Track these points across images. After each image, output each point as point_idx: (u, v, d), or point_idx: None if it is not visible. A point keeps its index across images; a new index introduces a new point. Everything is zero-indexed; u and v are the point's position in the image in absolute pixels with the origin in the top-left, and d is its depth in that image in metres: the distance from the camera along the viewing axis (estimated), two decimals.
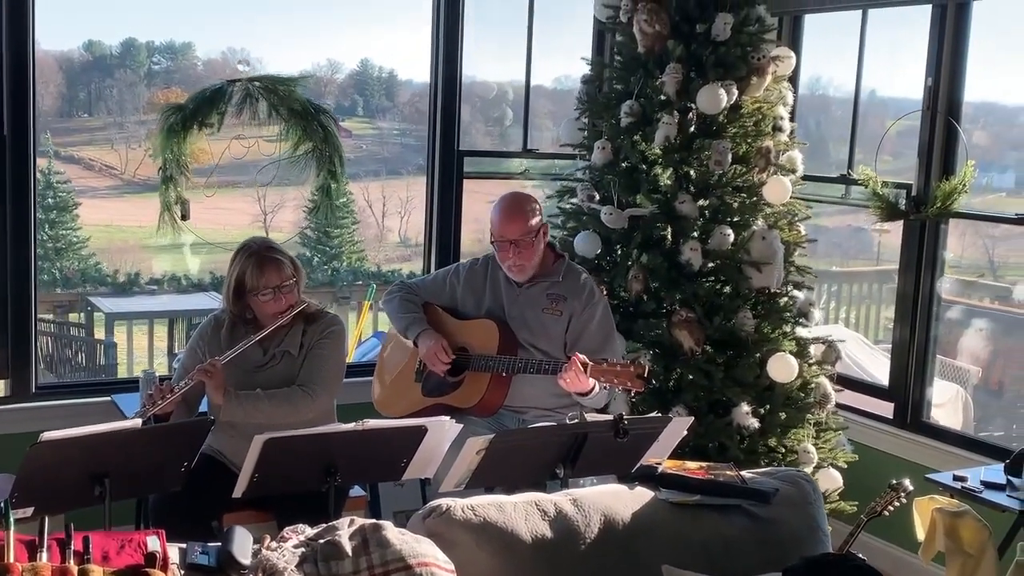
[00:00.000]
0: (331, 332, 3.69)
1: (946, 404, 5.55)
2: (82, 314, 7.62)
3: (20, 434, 4.35)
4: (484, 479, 3.25)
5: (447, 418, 3.17)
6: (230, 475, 3.57)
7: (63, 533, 2.21)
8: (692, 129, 4.26)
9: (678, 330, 4.14)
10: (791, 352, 4.19)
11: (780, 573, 2.50)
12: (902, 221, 4.79)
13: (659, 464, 2.89)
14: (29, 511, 2.73)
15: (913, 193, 4.70)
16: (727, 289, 4.26)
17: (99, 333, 7.40)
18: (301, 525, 2.59)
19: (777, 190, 4.28)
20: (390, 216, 14.38)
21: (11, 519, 2.18)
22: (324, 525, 2.56)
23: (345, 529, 2.52)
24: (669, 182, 4.27)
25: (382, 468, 3.30)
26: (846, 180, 5.05)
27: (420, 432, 3.14)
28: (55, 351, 7.32)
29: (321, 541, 2.47)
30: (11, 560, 2.09)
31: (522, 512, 2.64)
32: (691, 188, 4.25)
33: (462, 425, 3.21)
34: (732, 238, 4.18)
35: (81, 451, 2.68)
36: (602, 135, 4.40)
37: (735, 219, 4.25)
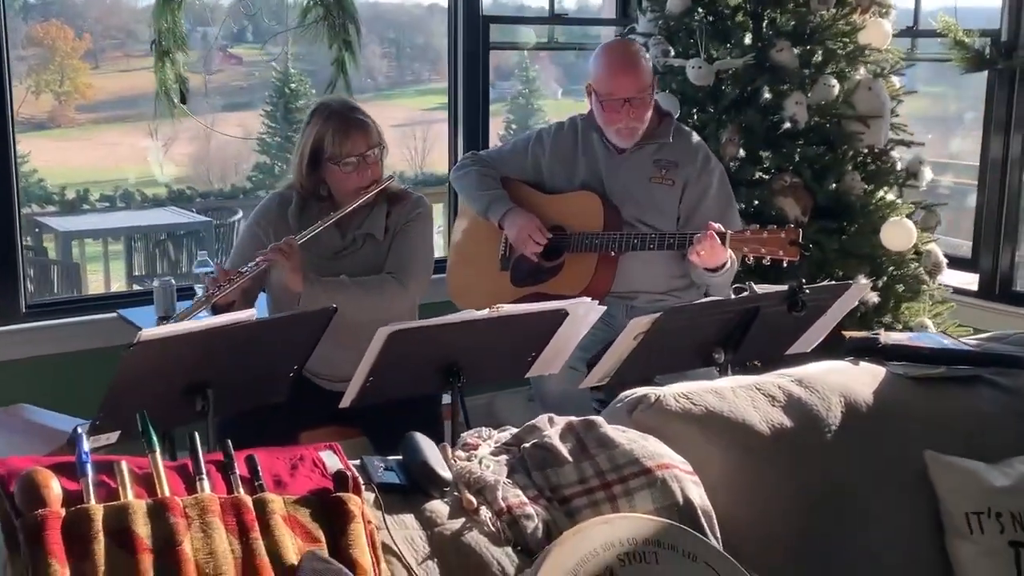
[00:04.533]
0: (419, 214, 3.10)
1: None
2: (29, 236, 6.78)
3: (12, 362, 3.70)
4: (633, 370, 2.74)
5: (587, 299, 2.63)
6: (307, 384, 3.01)
7: (219, 452, 1.63)
8: None
9: (782, 197, 3.64)
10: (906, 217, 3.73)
11: None
12: (986, 72, 4.38)
13: (877, 335, 2.40)
14: (114, 436, 2.13)
15: (1003, 39, 4.26)
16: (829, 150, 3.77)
17: (52, 256, 6.61)
18: (485, 429, 2.05)
19: (877, 33, 3.78)
20: None
21: (155, 440, 1.58)
22: (515, 429, 2.02)
23: (550, 429, 1.99)
24: (764, 29, 3.73)
25: (508, 365, 2.75)
26: (914, 33, 4.57)
27: (559, 317, 2.60)
28: None
29: (526, 446, 1.94)
30: (166, 492, 1.50)
31: (746, 398, 2.12)
32: (786, 35, 3.72)
33: (605, 307, 2.67)
34: (837, 90, 3.68)
35: (185, 353, 2.07)
36: None
37: (838, 69, 3.74)
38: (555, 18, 4.76)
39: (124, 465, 1.51)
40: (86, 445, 1.49)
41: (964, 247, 4.76)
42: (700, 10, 3.85)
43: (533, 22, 5.08)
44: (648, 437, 1.95)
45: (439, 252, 3.90)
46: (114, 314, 3.84)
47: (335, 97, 3.19)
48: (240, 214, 6.78)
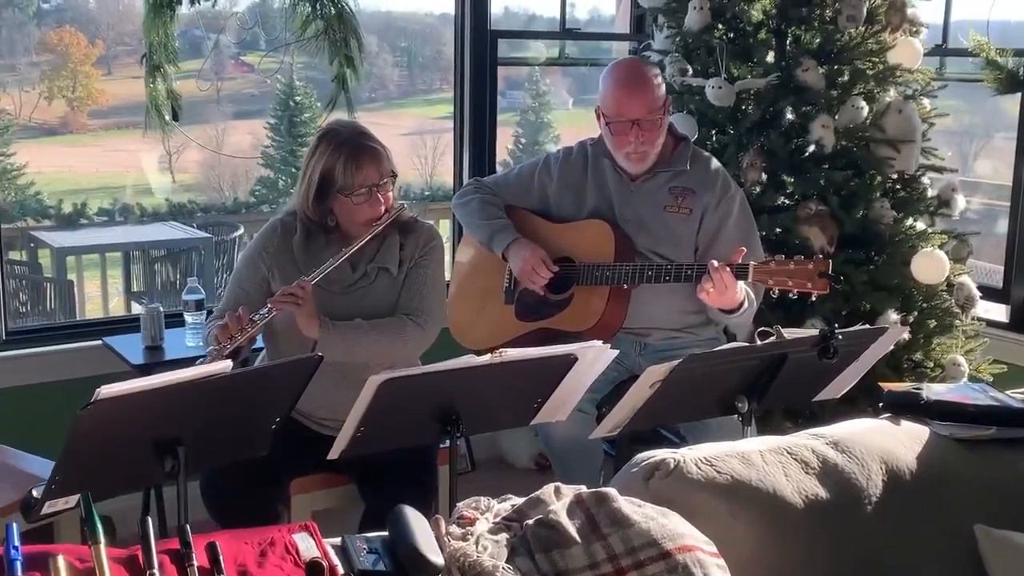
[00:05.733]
0: (433, 247, 2.89)
1: None
2: (24, 251, 6.59)
3: None
4: (648, 419, 2.53)
5: (598, 343, 2.41)
6: (299, 430, 2.80)
7: (175, 539, 1.42)
8: None
9: (807, 226, 3.42)
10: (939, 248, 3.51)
11: None
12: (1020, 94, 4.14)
13: (919, 390, 2.18)
14: (73, 499, 1.92)
15: None
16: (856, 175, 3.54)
17: (47, 272, 6.41)
18: (483, 499, 1.83)
19: (908, 53, 3.56)
20: None
21: (99, 528, 1.37)
22: (519, 500, 1.81)
23: (556, 503, 1.77)
24: (788, 48, 3.51)
25: (511, 412, 2.54)
26: (943, 52, 4.34)
27: (568, 362, 2.39)
28: None
29: (530, 522, 1.72)
30: None
31: (776, 464, 1.91)
32: (811, 53, 3.50)
33: (617, 351, 2.45)
34: (866, 112, 3.46)
35: (149, 410, 1.86)
36: None
37: (866, 89, 3.52)
38: (566, 33, 4.55)
39: (61, 560, 1.30)
40: (16, 538, 1.29)
41: (991, 273, 4.53)
42: (720, 27, 3.64)
43: (543, 37, 4.87)
44: (668, 513, 1.73)
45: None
46: (99, 342, 3.64)
47: (344, 122, 2.98)
48: (241, 230, 6.59)
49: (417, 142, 12.43)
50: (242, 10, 4.16)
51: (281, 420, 2.16)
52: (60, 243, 6.22)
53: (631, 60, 3.14)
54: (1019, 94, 4.14)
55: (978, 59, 4.04)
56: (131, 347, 3.51)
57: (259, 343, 2.97)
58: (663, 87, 3.03)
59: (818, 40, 3.53)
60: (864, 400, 3.02)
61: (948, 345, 3.55)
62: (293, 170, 9.41)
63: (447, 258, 4.58)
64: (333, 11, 3.86)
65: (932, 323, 3.50)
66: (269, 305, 2.65)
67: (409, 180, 9.69)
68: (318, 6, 3.85)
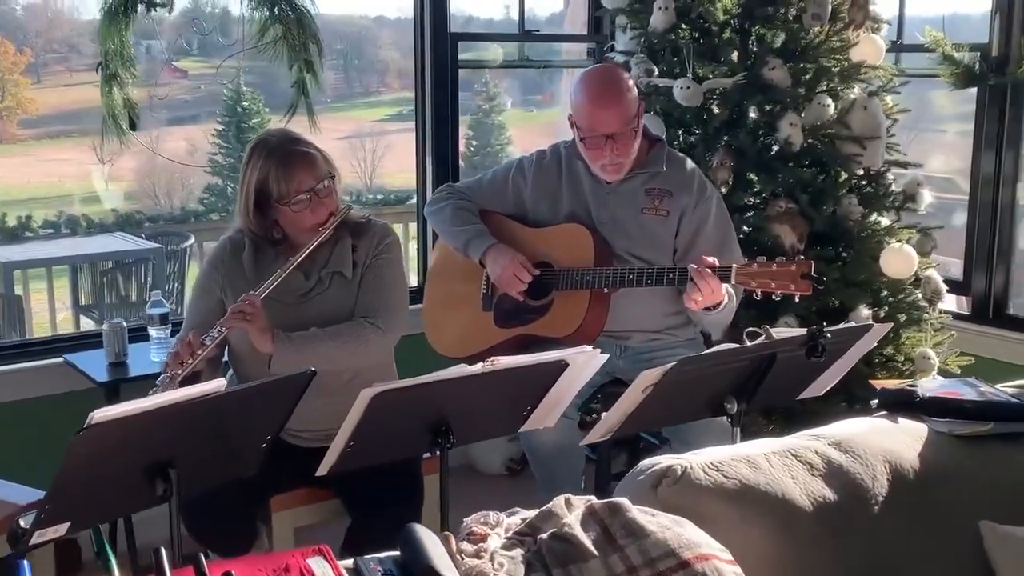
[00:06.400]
0: (388, 245, 2.84)
1: None
2: None
3: None
4: (639, 423, 2.52)
5: (588, 347, 2.39)
6: (275, 444, 2.73)
7: (189, 569, 1.37)
8: None
9: (777, 224, 3.43)
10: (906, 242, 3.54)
11: None
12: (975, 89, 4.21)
13: (914, 387, 2.18)
14: (63, 528, 1.85)
15: (994, 54, 4.09)
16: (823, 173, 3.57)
17: None
18: (492, 513, 1.79)
19: (871, 50, 3.59)
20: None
21: (112, 563, 1.32)
22: (528, 513, 1.78)
23: (569, 516, 1.74)
24: (752, 46, 3.52)
25: (501, 420, 2.51)
26: (899, 48, 4.39)
27: (558, 368, 2.37)
28: None
29: (544, 537, 1.69)
30: None
31: (781, 467, 1.90)
32: (776, 52, 3.51)
33: (608, 355, 2.44)
34: (832, 109, 3.48)
35: (144, 432, 1.80)
36: None
37: (831, 87, 3.54)
38: (525, 35, 4.53)
39: None
40: (28, 574, 1.23)
41: (947, 265, 4.60)
42: (685, 27, 3.64)
43: (503, 39, 4.84)
44: (682, 521, 1.71)
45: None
46: (60, 359, 3.54)
47: (275, 131, 2.90)
48: (192, 239, 6.47)
49: (356, 145, 12.32)
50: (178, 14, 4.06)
51: (272, 438, 2.11)
52: (5, 258, 6.04)
53: (603, 71, 3.09)
54: (970, 88, 4.22)
55: (934, 54, 4.10)
56: (94, 364, 3.42)
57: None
58: (635, 94, 3.00)
59: (783, 39, 3.54)
60: (838, 396, 3.05)
61: (917, 339, 3.58)
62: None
63: (413, 262, 4.55)
64: (292, 15, 3.79)
65: (902, 317, 3.53)
66: (219, 326, 2.59)
67: (348, 183, 9.59)
68: (277, 10, 3.78)
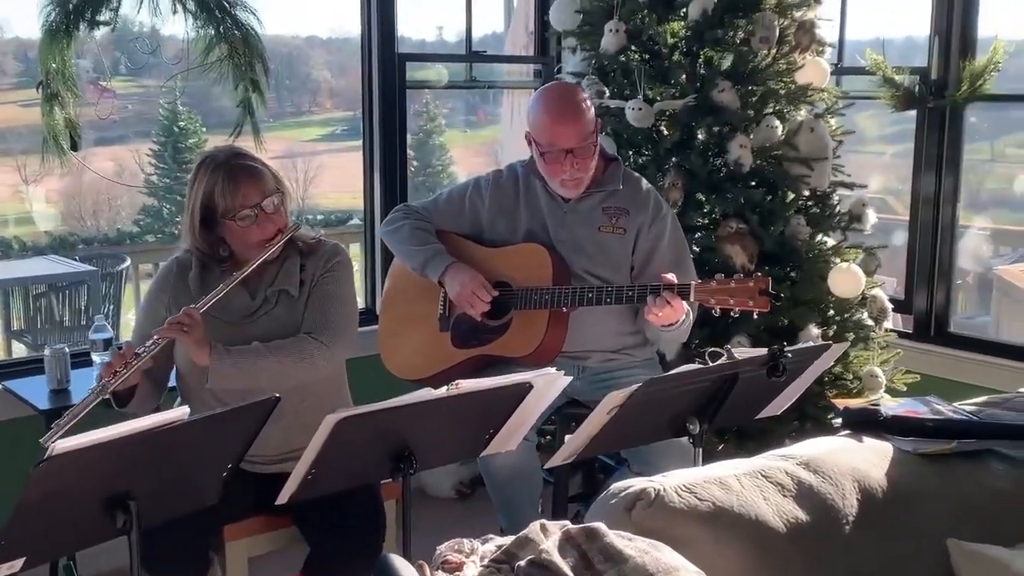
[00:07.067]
0: (337, 263, 2.79)
1: None
2: None
3: None
4: (603, 445, 2.52)
5: (551, 369, 2.38)
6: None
7: None
8: (717, 1, 3.53)
9: (728, 244, 3.46)
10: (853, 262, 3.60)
11: None
12: (913, 114, 4.30)
13: (877, 406, 2.21)
14: (17, 564, 1.78)
15: (933, 77, 4.18)
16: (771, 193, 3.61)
17: None
18: (466, 541, 1.77)
19: (817, 73, 3.65)
20: None
21: None
22: (502, 540, 1.75)
23: (546, 542, 1.72)
24: (700, 69, 3.56)
25: (463, 444, 2.48)
26: (840, 71, 4.46)
27: (523, 391, 2.35)
28: None
29: (522, 564, 1.67)
30: None
31: (753, 489, 1.91)
32: (725, 74, 3.55)
33: (571, 378, 2.43)
34: (780, 131, 3.53)
35: (102, 464, 1.74)
36: (611, 15, 3.62)
37: (778, 109, 3.59)
38: (472, 55, 4.53)
39: None
40: None
41: (890, 284, 4.68)
42: (635, 48, 3.66)
43: (451, 60, 4.83)
44: (659, 545, 1.70)
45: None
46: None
47: (221, 147, 2.86)
48: (128, 262, 6.33)
49: (288, 165, 12.20)
50: (115, 35, 3.98)
51: (233, 467, 2.06)
52: None
53: (561, 87, 3.10)
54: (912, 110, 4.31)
55: (872, 76, 4.19)
56: (35, 390, 3.32)
57: (173, 382, 2.86)
58: (593, 110, 3.02)
59: (731, 61, 3.58)
60: (791, 414, 3.08)
61: (865, 357, 3.64)
62: (178, 197, 9.09)
63: (357, 283, 4.50)
64: (238, 34, 3.74)
65: (850, 336, 3.58)
66: (155, 336, 2.53)
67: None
68: (222, 29, 3.72)
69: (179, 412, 1.83)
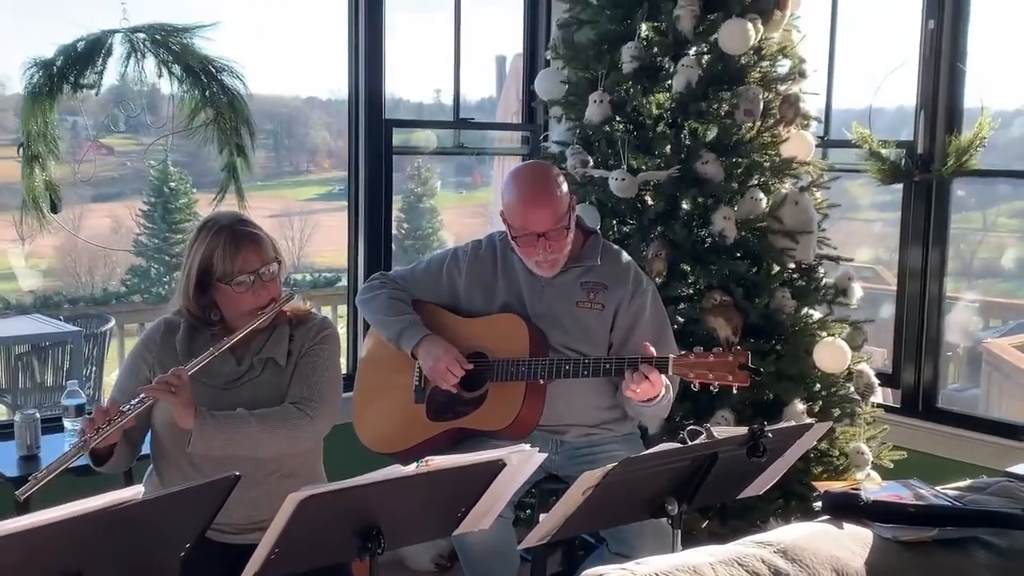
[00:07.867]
0: (326, 336, 2.76)
1: None
2: None
3: None
4: (579, 526, 2.45)
5: (526, 446, 2.32)
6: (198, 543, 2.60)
7: None
8: (701, 74, 3.53)
9: (712, 316, 3.43)
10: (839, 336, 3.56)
11: None
12: (901, 185, 4.29)
13: (858, 491, 2.15)
14: None
15: (919, 151, 4.17)
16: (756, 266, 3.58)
17: None
18: None
19: (802, 146, 3.65)
20: None
21: None
22: None
23: None
24: (685, 140, 3.55)
25: (434, 523, 2.41)
26: (826, 143, 4.46)
27: (496, 468, 2.29)
28: None
29: None
30: None
31: None
32: (709, 146, 3.54)
33: (545, 454, 2.37)
34: (765, 203, 3.51)
35: (49, 545, 1.68)
36: (596, 86, 3.62)
37: (762, 181, 3.58)
38: (460, 122, 4.52)
39: None
40: None
41: (877, 356, 4.64)
42: (619, 119, 3.66)
43: (438, 126, 4.83)
44: None
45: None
46: None
47: (224, 212, 2.86)
48: (112, 322, 6.28)
49: (285, 223, 12.25)
50: (112, 94, 3.98)
51: (192, 546, 1.99)
52: None
53: (532, 169, 3.06)
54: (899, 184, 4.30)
55: (859, 149, 4.18)
56: (3, 456, 3.26)
57: (147, 449, 2.80)
58: (566, 190, 2.97)
59: (715, 133, 3.58)
60: (775, 492, 3.01)
61: (851, 433, 3.58)
62: (167, 258, 9.05)
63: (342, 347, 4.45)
64: (224, 99, 3.73)
65: (836, 411, 3.52)
66: (141, 394, 2.49)
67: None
68: (208, 94, 3.72)
69: (132, 491, 1.77)
